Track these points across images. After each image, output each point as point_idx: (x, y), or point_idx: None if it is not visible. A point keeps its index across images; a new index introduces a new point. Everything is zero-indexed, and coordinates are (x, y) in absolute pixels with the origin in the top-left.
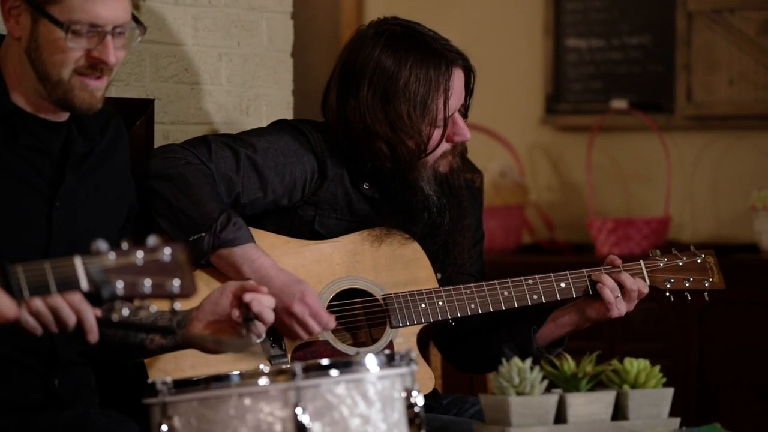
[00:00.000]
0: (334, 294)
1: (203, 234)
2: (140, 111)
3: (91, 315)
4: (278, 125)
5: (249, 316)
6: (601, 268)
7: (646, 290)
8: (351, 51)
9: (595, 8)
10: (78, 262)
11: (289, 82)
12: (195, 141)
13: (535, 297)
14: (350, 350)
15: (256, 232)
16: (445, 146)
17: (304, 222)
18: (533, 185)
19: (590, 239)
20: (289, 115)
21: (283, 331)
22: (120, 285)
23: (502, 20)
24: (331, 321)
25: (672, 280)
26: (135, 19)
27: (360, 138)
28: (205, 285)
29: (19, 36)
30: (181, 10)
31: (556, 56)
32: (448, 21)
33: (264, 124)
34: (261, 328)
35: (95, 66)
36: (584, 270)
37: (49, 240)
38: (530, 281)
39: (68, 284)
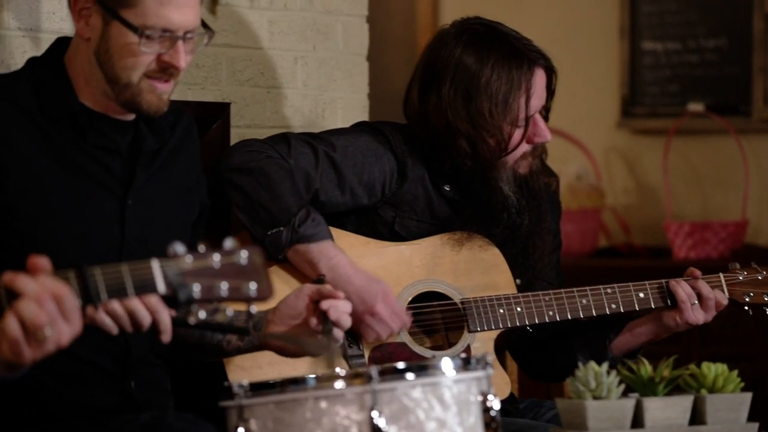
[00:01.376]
0: (412, 296)
1: (281, 228)
2: (216, 114)
3: (166, 316)
4: (358, 126)
5: (327, 324)
6: (680, 279)
7: (725, 302)
8: (433, 49)
9: (671, 11)
10: (155, 265)
11: (365, 86)
12: (275, 137)
13: (613, 306)
14: (427, 353)
15: (335, 231)
16: (525, 147)
17: (384, 223)
18: (609, 189)
19: (667, 243)
20: (364, 119)
21: (362, 331)
22: (197, 288)
23: (578, 23)
24: (409, 320)
25: (752, 294)
26: (203, 24)
27: (441, 135)
28: (285, 283)
29: (89, 37)
30: (257, 14)
31: (632, 59)
32: (524, 24)
33: (339, 126)
34: (339, 333)
35: (165, 70)
36: (663, 280)
37: (123, 238)
38: (609, 290)
39: (145, 287)
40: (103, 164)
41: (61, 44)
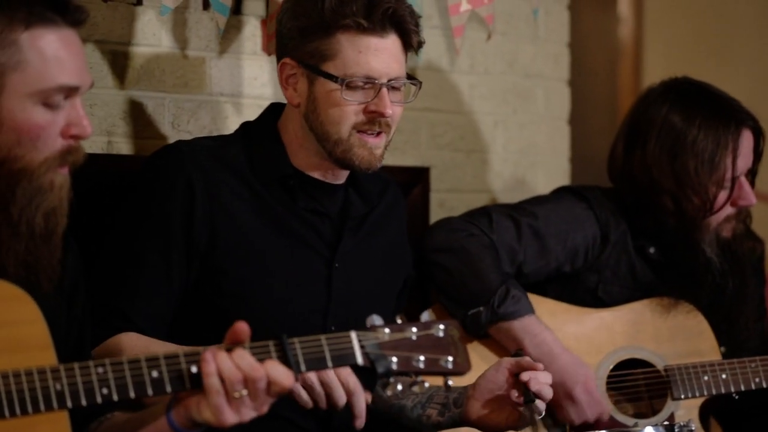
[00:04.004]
0: (614, 364)
1: (481, 308)
2: (416, 179)
3: (362, 400)
4: (559, 192)
5: (530, 397)
6: None
7: None
8: (640, 107)
9: None
10: (353, 336)
11: (566, 150)
12: (476, 212)
13: None
14: (630, 421)
15: (535, 299)
16: (729, 210)
17: (586, 289)
18: None
19: None
20: (565, 183)
21: (557, 411)
22: (394, 360)
23: None
24: (606, 414)
25: None
26: (409, 75)
27: (645, 192)
28: (481, 359)
29: (298, 102)
30: (458, 78)
31: None
32: (730, 84)
33: (540, 191)
34: (541, 405)
35: (373, 120)
36: None
37: (329, 300)
38: None
39: (344, 358)
40: (313, 227)
41: (274, 110)
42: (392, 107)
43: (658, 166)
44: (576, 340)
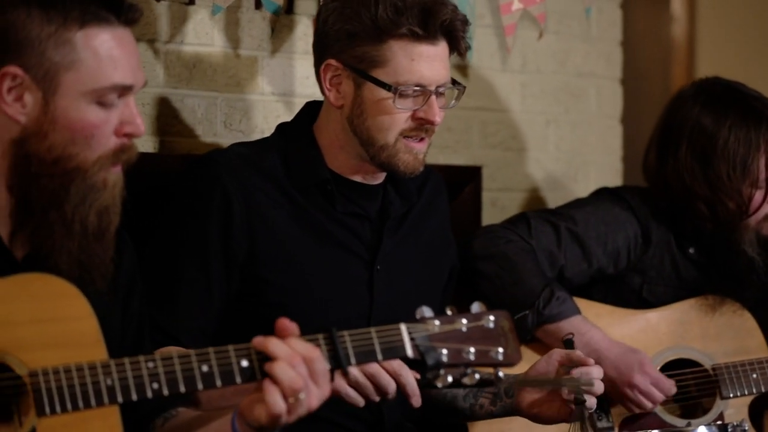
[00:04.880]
0: (661, 364)
1: (527, 312)
2: (468, 178)
3: (411, 378)
4: (598, 194)
5: (580, 395)
6: None
7: None
8: (671, 111)
9: None
10: (403, 328)
11: (618, 149)
12: (514, 219)
13: None
14: (679, 421)
15: (580, 302)
16: (767, 208)
17: (631, 290)
18: None
19: None
20: (618, 182)
21: (620, 402)
22: (445, 352)
23: None
24: (672, 387)
25: None
26: (453, 80)
27: (679, 198)
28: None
29: (341, 104)
30: (509, 77)
31: None
32: None
33: (593, 190)
34: (591, 401)
35: (420, 127)
36: None
37: (372, 303)
38: None
39: (394, 351)
40: (352, 230)
41: (310, 109)
42: (439, 113)
43: (690, 173)
44: (622, 341)
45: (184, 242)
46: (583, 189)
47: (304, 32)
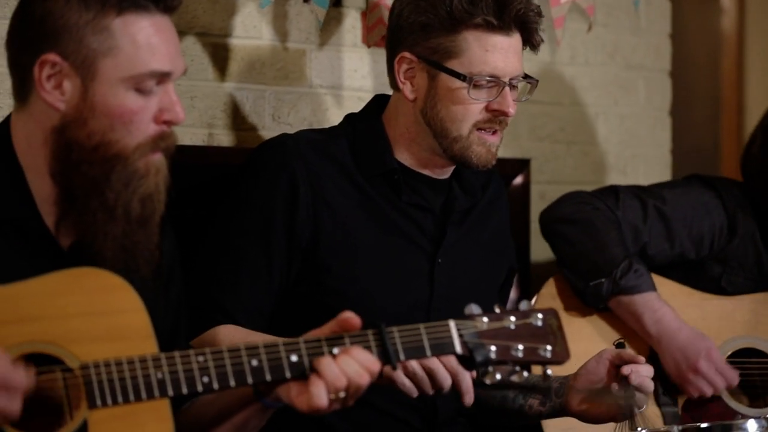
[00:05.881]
0: (731, 352)
1: (603, 279)
2: (517, 170)
3: (467, 377)
4: (689, 179)
5: (630, 390)
6: None
7: None
8: None
9: None
10: (452, 325)
11: (668, 141)
12: (604, 189)
13: None
14: (743, 410)
15: (657, 279)
16: None
17: (710, 278)
18: None
19: None
20: (666, 175)
21: (684, 386)
22: (493, 349)
23: None
24: (736, 377)
25: None
26: (525, 74)
27: None
28: (598, 332)
29: (415, 97)
30: (558, 69)
31: None
32: None
33: (641, 183)
34: (641, 399)
35: (494, 119)
36: None
37: (431, 296)
38: None
39: (442, 347)
40: (416, 222)
41: (379, 102)
42: (513, 105)
43: None
44: (695, 325)
45: (249, 223)
46: (632, 182)
47: (352, 25)
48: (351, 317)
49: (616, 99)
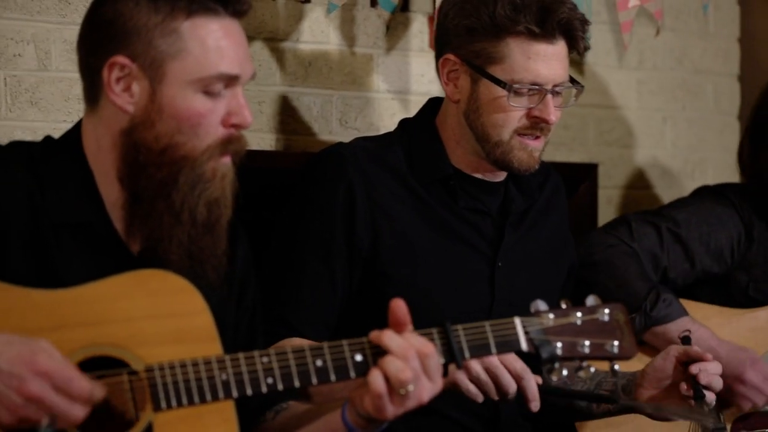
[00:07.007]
0: None
1: (634, 315)
2: (584, 175)
3: (533, 383)
4: (698, 193)
5: (700, 391)
6: None
7: None
8: (761, 102)
9: None
10: (517, 322)
11: (736, 146)
12: (614, 222)
13: None
14: None
15: (687, 304)
16: None
17: (738, 289)
18: None
19: None
20: (735, 179)
21: (734, 400)
22: (559, 345)
23: None
24: None
25: None
26: (571, 79)
27: None
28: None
29: (458, 99)
30: (625, 74)
31: None
32: None
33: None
34: (711, 397)
35: (535, 126)
36: None
37: (492, 300)
38: None
39: (508, 345)
40: (474, 226)
41: (433, 105)
42: (555, 112)
43: None
44: (732, 341)
45: (309, 235)
46: (701, 185)
47: (419, 29)
48: (395, 301)
49: (684, 103)
